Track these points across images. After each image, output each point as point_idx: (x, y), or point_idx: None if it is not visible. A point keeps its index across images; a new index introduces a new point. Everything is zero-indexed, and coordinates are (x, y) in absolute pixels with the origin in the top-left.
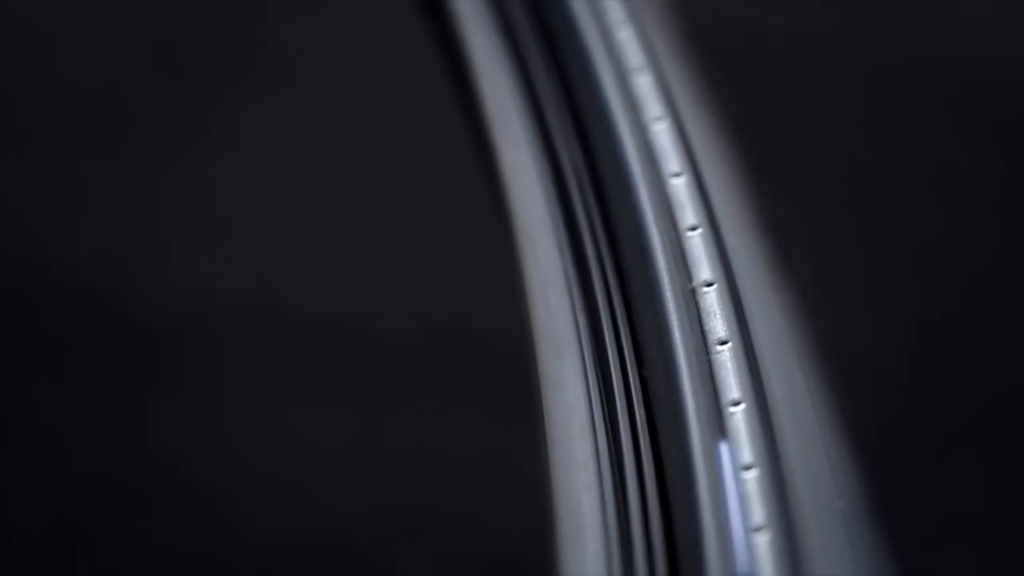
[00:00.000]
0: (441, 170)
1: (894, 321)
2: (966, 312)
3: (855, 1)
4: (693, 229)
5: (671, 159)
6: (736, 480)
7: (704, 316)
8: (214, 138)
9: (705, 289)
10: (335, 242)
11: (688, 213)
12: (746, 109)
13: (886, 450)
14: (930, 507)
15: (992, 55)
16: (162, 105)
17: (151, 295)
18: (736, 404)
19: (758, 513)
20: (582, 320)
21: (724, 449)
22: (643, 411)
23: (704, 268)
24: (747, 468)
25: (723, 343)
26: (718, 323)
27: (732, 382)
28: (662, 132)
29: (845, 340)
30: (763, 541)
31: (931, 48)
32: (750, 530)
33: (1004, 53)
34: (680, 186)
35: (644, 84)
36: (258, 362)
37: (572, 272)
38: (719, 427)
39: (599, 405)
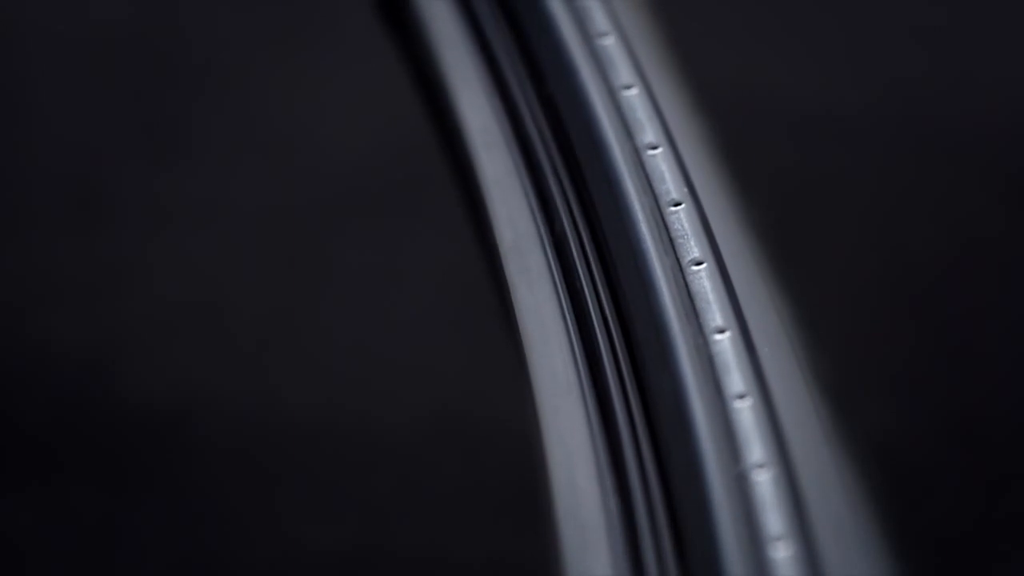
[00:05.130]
0: (444, 250)
1: (937, 415)
2: (1012, 401)
3: (886, 73)
4: (741, 397)
5: (714, 312)
6: None
7: (756, 507)
8: (199, 216)
9: (757, 474)
10: (330, 330)
11: (735, 378)
12: (770, 187)
13: (944, 556)
14: None
15: None
16: (144, 182)
17: (133, 390)
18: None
19: None
20: (613, 503)
21: None
22: None
23: (755, 447)
24: None
25: (779, 537)
26: (773, 516)
27: None
28: (703, 278)
29: (887, 440)
30: None
31: (966, 121)
32: None
33: None
34: (725, 342)
35: (682, 217)
36: (250, 464)
37: (601, 446)
38: None
39: None
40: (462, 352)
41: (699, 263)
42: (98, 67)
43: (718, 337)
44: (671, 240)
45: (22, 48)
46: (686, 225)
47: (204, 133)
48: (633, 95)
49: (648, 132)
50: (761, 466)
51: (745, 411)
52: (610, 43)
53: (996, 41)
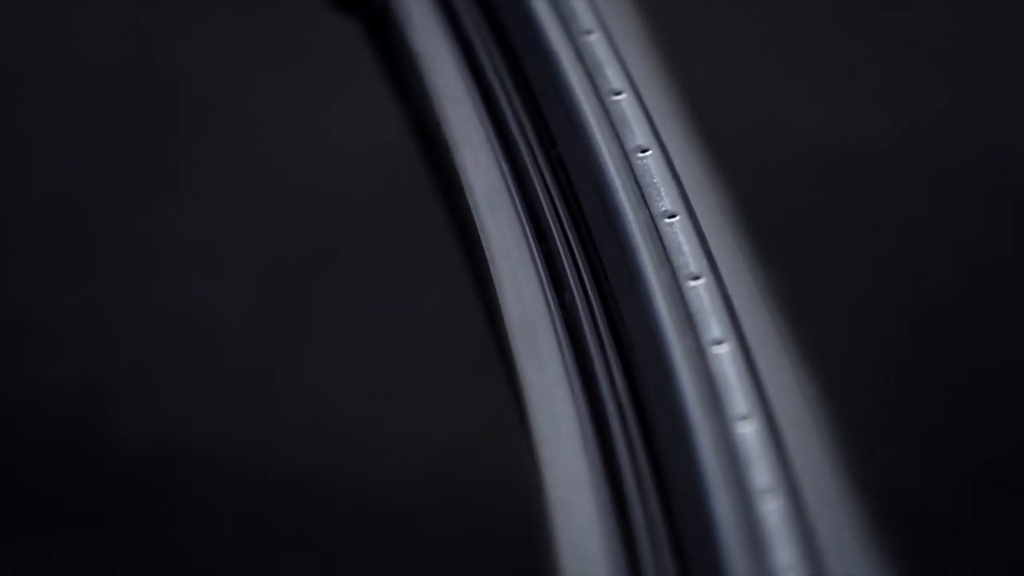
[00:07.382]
0: (448, 303)
1: (959, 472)
2: None
3: (902, 99)
4: (767, 492)
5: (737, 397)
6: None
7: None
8: (192, 256)
9: None
10: (328, 382)
11: (760, 471)
12: (788, 225)
13: None
14: None
15: None
16: (135, 219)
17: (122, 438)
18: None
19: None
20: None
21: None
22: None
23: (784, 549)
24: None
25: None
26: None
27: None
28: (724, 360)
29: (911, 500)
30: None
31: (984, 148)
32: None
33: None
34: (749, 431)
35: (702, 293)
36: (245, 518)
37: (619, 546)
38: None
39: None
40: (468, 409)
41: (720, 343)
42: (87, 102)
43: (741, 426)
44: (690, 318)
45: (10, 83)
46: (706, 302)
47: (198, 170)
48: (648, 158)
49: (665, 199)
50: (791, 569)
51: (772, 509)
52: (624, 99)
53: (1016, 67)
